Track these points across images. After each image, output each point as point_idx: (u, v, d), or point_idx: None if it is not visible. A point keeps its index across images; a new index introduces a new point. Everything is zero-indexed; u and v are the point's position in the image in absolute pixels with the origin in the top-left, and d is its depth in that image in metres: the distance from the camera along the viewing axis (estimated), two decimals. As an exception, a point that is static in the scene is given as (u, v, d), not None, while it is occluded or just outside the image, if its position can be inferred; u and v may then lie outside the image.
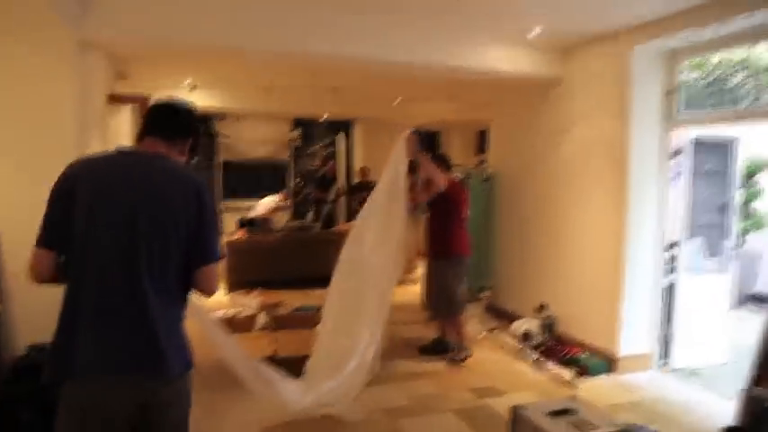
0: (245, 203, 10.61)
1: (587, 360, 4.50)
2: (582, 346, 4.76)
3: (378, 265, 3.99)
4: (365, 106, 8.82)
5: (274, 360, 3.88)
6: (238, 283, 7.29)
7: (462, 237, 4.67)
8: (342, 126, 10.95)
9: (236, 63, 6.00)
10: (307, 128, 10.97)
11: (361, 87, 7.12)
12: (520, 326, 5.29)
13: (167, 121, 1.96)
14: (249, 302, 4.94)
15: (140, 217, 1.73)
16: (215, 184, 10.54)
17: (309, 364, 3.61)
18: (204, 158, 10.41)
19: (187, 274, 1.83)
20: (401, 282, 7.44)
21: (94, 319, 1.71)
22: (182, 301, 1.88)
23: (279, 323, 4.56)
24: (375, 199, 4.14)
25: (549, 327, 5.18)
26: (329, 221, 9.42)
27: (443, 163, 4.73)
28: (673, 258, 4.59)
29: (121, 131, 6.01)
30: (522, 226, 5.81)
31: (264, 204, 9.07)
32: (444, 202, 4.55)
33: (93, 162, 1.87)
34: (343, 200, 10.42)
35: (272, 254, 7.46)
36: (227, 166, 10.64)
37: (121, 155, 1.90)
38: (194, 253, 1.81)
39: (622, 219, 4.44)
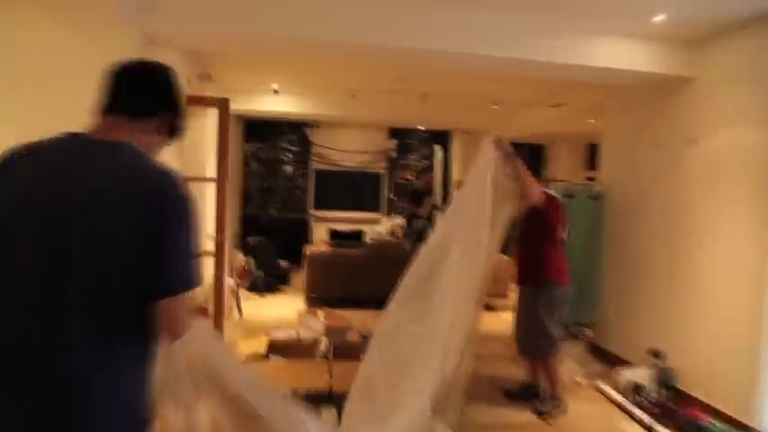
0: (336, 214, 10.37)
1: (714, 429, 3.57)
2: (707, 409, 3.82)
3: (452, 294, 3.32)
4: (461, 116, 8.23)
5: (329, 395, 3.38)
6: (318, 299, 6.95)
7: (558, 261, 3.93)
8: (439, 137, 10.40)
9: (317, 64, 5.66)
10: (403, 138, 10.52)
11: (455, 94, 6.52)
12: (628, 375, 4.42)
13: (136, 92, 1.45)
14: (316, 324, 4.47)
15: (77, 227, 1.24)
16: (307, 192, 10.35)
17: (347, 407, 3.02)
18: (298, 167, 10.28)
19: (144, 306, 1.30)
20: (491, 307, 6.75)
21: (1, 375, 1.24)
22: (134, 346, 1.34)
23: (341, 351, 4.03)
24: (455, 210, 3.51)
25: (664, 380, 4.27)
26: (420, 238, 8.85)
27: (535, 175, 4.02)
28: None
29: (207, 136, 5.84)
30: (635, 253, 4.91)
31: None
32: (537, 219, 3.84)
33: (31, 149, 1.38)
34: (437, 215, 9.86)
35: (355, 269, 7.03)
36: (320, 175, 10.41)
37: (69, 140, 1.38)
38: (152, 279, 1.28)
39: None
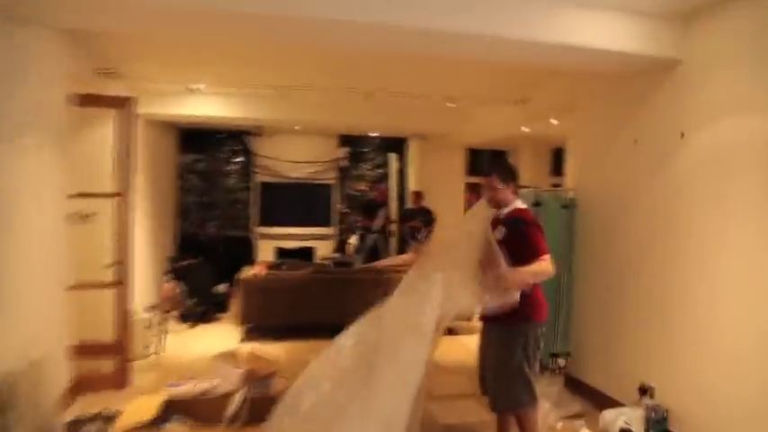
0: (284, 230, 9.52)
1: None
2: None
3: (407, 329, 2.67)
4: (415, 118, 7.48)
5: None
6: (255, 330, 6.08)
7: (539, 293, 3.14)
8: (394, 145, 9.66)
9: (244, 54, 4.82)
10: (355, 146, 9.71)
11: (405, 91, 5.73)
12: (613, 418, 3.69)
13: None
14: (232, 371, 3.58)
15: None
16: (251, 207, 9.42)
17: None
18: (241, 179, 9.37)
19: None
20: (452, 331, 5.99)
21: None
22: None
23: (258, 410, 3.14)
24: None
25: (657, 423, 3.55)
26: (373, 254, 8.05)
27: (509, 177, 3.19)
28: None
29: (106, 145, 4.83)
30: (617, 272, 4.19)
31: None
32: (518, 241, 3.01)
33: None
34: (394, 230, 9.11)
35: (299, 294, 6.17)
36: (265, 188, 9.50)
37: None
38: None
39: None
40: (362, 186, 9.79)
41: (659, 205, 3.75)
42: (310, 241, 9.62)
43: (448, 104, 5.70)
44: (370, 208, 8.64)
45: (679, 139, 3.54)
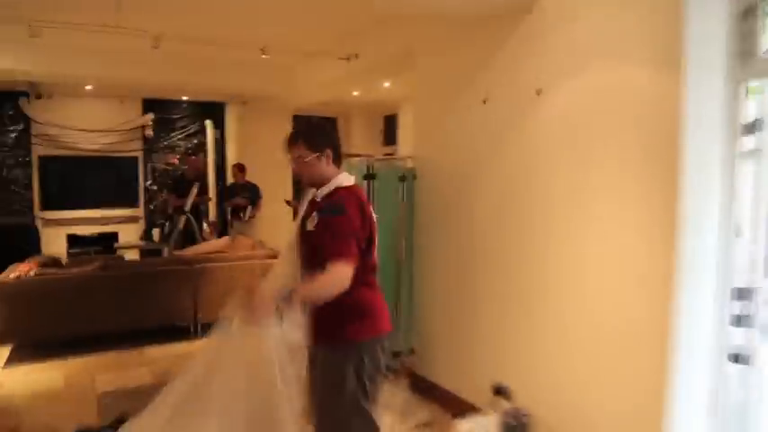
0: (78, 214, 7.90)
1: None
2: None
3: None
4: (230, 78, 6.38)
5: None
6: (21, 349, 4.70)
7: (372, 299, 2.35)
8: (210, 110, 8.43)
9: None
10: (163, 112, 8.30)
11: (200, 37, 4.62)
12: (468, 428, 3.13)
13: None
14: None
15: None
16: (31, 188, 7.64)
17: None
18: (14, 153, 7.51)
19: None
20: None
21: None
22: None
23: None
24: None
25: (516, 429, 3.04)
26: (187, 240, 6.87)
27: (323, 144, 2.31)
28: (739, 317, 2.55)
29: None
30: (467, 253, 3.61)
31: None
32: (334, 234, 2.18)
33: None
34: (212, 209, 7.97)
35: (85, 297, 4.88)
36: (48, 163, 7.73)
37: None
38: None
39: (668, 246, 2.34)
40: (173, 159, 8.44)
41: (515, 175, 3.19)
42: (113, 225, 8.12)
43: (262, 56, 4.70)
44: (182, 184, 7.38)
45: (537, 93, 2.97)
